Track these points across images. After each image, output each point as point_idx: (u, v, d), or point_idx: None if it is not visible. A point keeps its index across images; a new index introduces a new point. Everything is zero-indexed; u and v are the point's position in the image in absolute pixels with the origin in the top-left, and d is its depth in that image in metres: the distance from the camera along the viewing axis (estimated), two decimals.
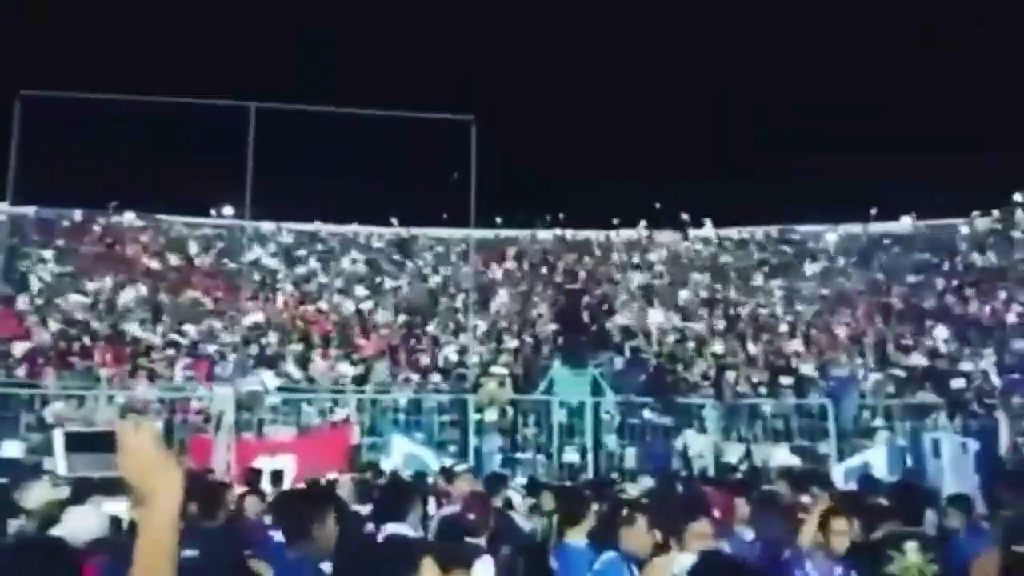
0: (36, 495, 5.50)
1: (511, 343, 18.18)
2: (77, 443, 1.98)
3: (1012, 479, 6.34)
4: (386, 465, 12.02)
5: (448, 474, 8.75)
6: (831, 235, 27.82)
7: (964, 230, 27.21)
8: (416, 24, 38.87)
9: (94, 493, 5.18)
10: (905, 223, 28.29)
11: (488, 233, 27.05)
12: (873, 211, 27.76)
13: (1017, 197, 28.70)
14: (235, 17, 34.85)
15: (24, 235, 22.49)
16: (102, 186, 26.87)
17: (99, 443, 1.88)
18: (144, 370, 15.67)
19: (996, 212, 27.98)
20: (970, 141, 29.88)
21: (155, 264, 23.33)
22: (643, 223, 28.69)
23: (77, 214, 25.53)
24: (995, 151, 28.79)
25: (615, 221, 29.37)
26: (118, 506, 4.94)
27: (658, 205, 29.10)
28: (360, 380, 16.49)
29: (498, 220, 28.17)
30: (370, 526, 5.71)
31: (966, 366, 16.15)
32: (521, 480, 12.45)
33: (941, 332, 18.91)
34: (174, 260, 23.83)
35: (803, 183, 32.78)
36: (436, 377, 16.57)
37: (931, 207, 28.75)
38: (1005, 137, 29.27)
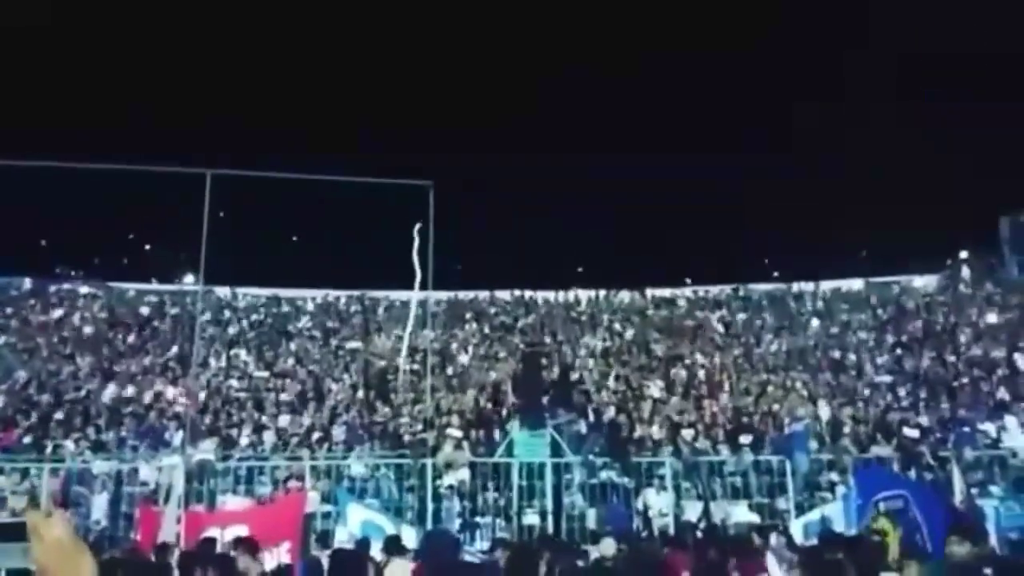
0: None
1: (470, 405, 18.02)
2: None
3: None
4: (342, 534, 11.68)
5: (391, 547, 8.33)
6: (785, 293, 28.37)
7: (917, 284, 28.18)
8: (375, 90, 39.42)
9: None
10: (856, 280, 29.03)
11: (447, 295, 27.10)
12: (824, 269, 28.62)
13: (963, 254, 29.77)
14: (193, 82, 35.03)
15: None
16: (53, 253, 26.48)
17: (10, 534, 1.76)
18: (91, 440, 15.21)
19: (944, 269, 29.05)
20: (917, 201, 30.92)
21: (106, 331, 22.86)
22: (601, 282, 29.05)
23: (26, 282, 25.06)
24: (941, 212, 29.90)
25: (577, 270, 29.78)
26: None
27: (618, 265, 29.63)
28: (315, 446, 16.14)
29: (457, 282, 28.28)
30: None
31: (919, 419, 16.38)
32: (482, 544, 12.25)
33: (894, 386, 19.23)
34: (126, 327, 23.38)
35: (758, 243, 33.63)
36: (394, 442, 16.28)
37: (881, 265, 29.67)
38: (951, 197, 30.38)
